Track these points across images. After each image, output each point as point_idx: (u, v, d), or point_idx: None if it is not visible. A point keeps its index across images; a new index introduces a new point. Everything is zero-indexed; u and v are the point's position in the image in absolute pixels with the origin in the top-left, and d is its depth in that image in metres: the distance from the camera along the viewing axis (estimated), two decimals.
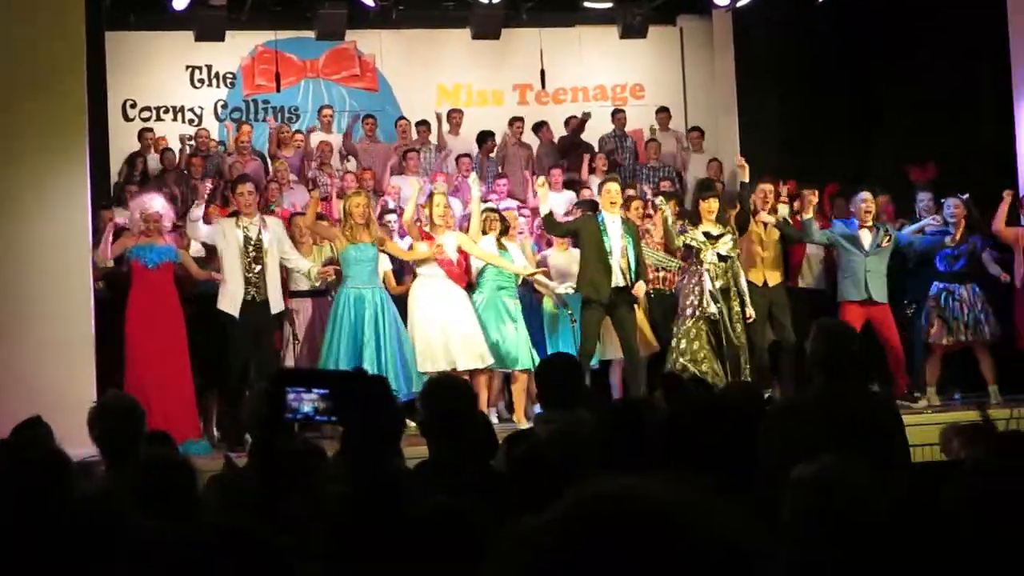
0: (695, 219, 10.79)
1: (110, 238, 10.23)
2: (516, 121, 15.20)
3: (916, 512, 3.38)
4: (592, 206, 11.59)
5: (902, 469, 5.06)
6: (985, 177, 13.02)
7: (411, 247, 10.93)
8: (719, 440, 2.61)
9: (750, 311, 10.63)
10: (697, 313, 10.50)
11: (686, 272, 10.82)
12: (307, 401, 3.00)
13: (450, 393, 4.77)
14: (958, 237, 11.25)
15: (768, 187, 11.25)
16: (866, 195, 11.25)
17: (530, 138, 15.33)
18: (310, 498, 3.29)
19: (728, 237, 10.63)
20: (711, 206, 10.69)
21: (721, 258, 10.57)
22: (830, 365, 5.23)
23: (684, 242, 10.69)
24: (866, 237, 11.14)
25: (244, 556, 2.29)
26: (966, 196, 11.44)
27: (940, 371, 11.42)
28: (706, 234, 10.64)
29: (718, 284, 10.53)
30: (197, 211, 10.79)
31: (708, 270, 10.53)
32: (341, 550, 3.16)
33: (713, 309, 10.43)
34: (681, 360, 10.41)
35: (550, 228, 10.89)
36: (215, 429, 10.82)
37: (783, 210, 11.36)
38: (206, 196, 11.09)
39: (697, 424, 2.71)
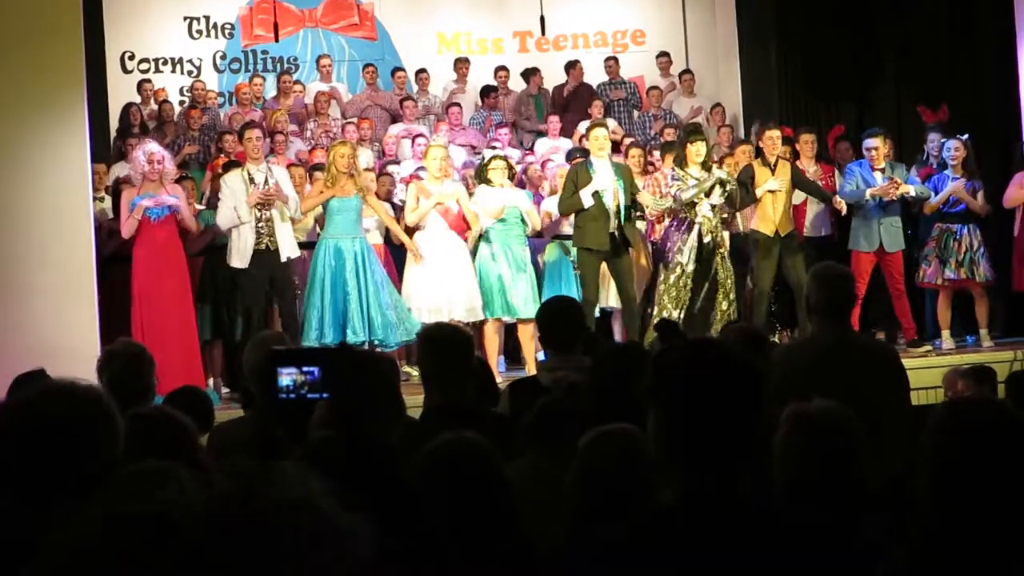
0: (683, 163, 10.68)
1: (125, 215, 10.20)
2: (500, 70, 15.15)
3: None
4: (583, 152, 11.57)
5: (901, 414, 5.06)
6: (987, 118, 12.99)
7: (405, 208, 10.93)
8: (706, 380, 2.58)
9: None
10: (680, 269, 10.46)
11: (675, 220, 10.72)
12: (298, 379, 3.03)
13: (447, 340, 4.76)
14: (955, 177, 11.24)
15: (775, 133, 11.19)
16: (875, 140, 11.21)
17: (518, 84, 15.29)
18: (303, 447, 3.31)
19: (717, 188, 10.54)
20: (699, 150, 10.59)
21: (712, 209, 10.52)
22: (827, 311, 5.22)
23: (681, 197, 10.54)
24: (878, 181, 11.12)
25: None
26: (966, 137, 11.41)
27: (951, 312, 11.43)
28: (696, 179, 10.53)
29: (707, 239, 10.47)
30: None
31: (702, 223, 10.46)
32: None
33: (689, 264, 10.40)
34: (666, 309, 10.40)
35: (565, 211, 10.76)
36: (220, 382, 10.86)
37: (784, 173, 11.17)
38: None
39: (684, 363, 2.68)
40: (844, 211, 11.24)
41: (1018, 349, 10.77)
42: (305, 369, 3.05)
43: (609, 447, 3.37)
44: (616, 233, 10.43)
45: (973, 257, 11.15)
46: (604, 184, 10.37)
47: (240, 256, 10.27)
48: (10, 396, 2.92)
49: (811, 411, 3.53)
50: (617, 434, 3.40)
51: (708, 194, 10.48)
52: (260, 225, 10.26)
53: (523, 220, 10.83)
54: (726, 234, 10.99)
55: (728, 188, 10.53)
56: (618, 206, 10.42)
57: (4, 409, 2.73)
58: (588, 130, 11.12)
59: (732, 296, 10.59)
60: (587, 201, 10.36)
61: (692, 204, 10.47)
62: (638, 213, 10.82)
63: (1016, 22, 12.34)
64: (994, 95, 13.27)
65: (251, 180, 10.30)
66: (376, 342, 10.21)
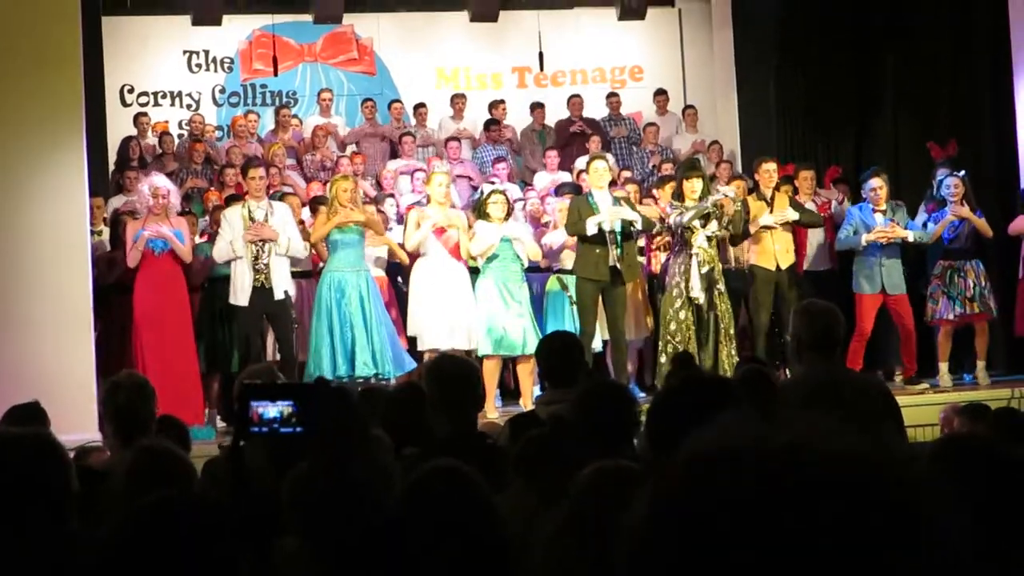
0: (679, 199, 10.67)
1: (130, 245, 10.23)
2: (498, 104, 15.21)
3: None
4: (574, 188, 11.61)
5: (898, 448, 5.03)
6: (986, 155, 13.03)
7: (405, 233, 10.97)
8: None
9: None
10: (682, 299, 10.44)
11: (672, 252, 10.73)
12: (273, 412, 3.02)
13: (453, 371, 4.77)
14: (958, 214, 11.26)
15: (772, 166, 11.23)
16: (876, 180, 11.20)
17: (521, 120, 15.30)
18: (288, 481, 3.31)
19: (713, 221, 10.53)
20: (694, 186, 10.59)
21: (708, 240, 10.51)
22: (816, 346, 5.18)
23: (679, 221, 10.54)
24: (880, 222, 11.11)
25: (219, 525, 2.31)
26: (963, 174, 11.45)
27: (950, 349, 11.43)
28: (698, 204, 10.54)
29: (705, 269, 10.45)
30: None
31: (697, 254, 10.45)
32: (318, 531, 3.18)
33: (698, 294, 10.36)
34: (671, 343, 10.37)
35: (572, 233, 10.75)
36: (216, 413, 10.85)
37: (782, 204, 11.20)
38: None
39: (696, 401, 2.69)
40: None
41: (1016, 387, 10.76)
42: (279, 403, 3.03)
43: (605, 483, 3.35)
44: (616, 265, 10.45)
45: (982, 292, 11.16)
46: (613, 216, 10.40)
47: (239, 293, 10.30)
48: None
49: None
50: (612, 470, 3.39)
51: (704, 224, 10.47)
52: (257, 264, 10.28)
53: (518, 256, 10.82)
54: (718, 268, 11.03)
55: (728, 211, 10.50)
56: (616, 236, 10.45)
57: None
58: (588, 163, 11.15)
59: (732, 333, 10.59)
60: (591, 229, 10.38)
61: (689, 232, 10.45)
62: (636, 228, 10.76)
63: (1012, 56, 12.41)
64: (991, 130, 13.32)
65: (251, 217, 10.33)
66: (379, 375, 10.23)
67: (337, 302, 10.25)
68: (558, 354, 5.77)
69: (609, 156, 13.86)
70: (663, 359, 10.36)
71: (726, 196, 10.54)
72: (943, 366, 11.37)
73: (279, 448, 3.18)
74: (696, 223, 10.44)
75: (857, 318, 11.02)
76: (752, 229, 10.95)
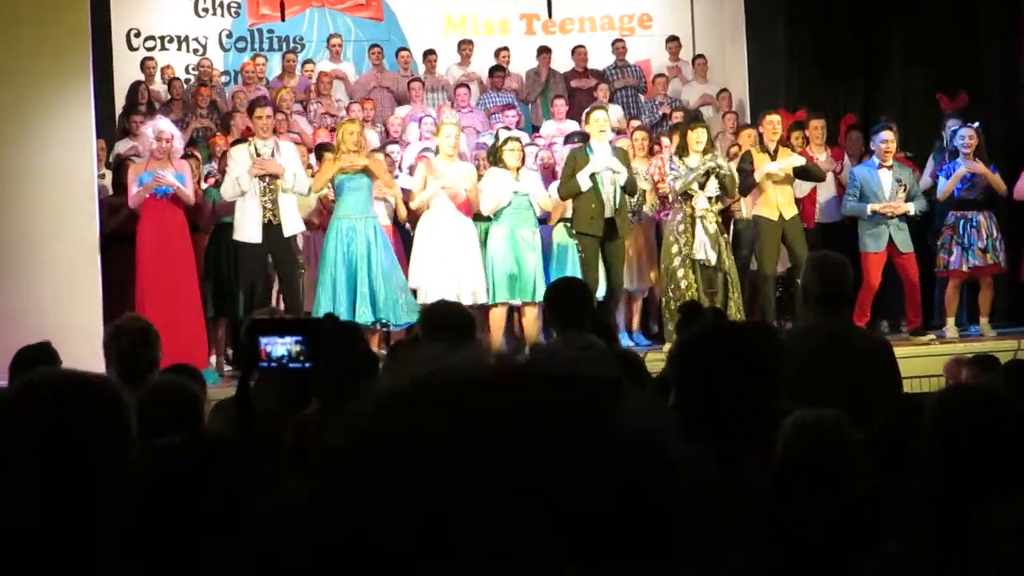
0: (683, 151, 10.63)
1: (133, 189, 10.20)
2: (502, 51, 15.15)
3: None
4: (583, 137, 11.58)
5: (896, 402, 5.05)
6: (992, 103, 12.98)
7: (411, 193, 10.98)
8: (725, 366, 2.60)
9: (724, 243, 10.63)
10: (683, 259, 10.41)
11: (672, 209, 10.70)
12: (281, 347, 3.01)
13: (449, 320, 4.75)
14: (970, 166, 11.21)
15: (775, 118, 11.19)
16: (887, 134, 11.15)
17: (525, 66, 15.25)
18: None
19: (714, 179, 10.50)
20: (699, 136, 10.54)
21: (709, 200, 10.49)
22: (823, 300, 5.18)
23: (675, 187, 10.51)
24: (886, 181, 11.09)
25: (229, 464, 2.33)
26: (977, 125, 11.40)
27: (958, 301, 11.43)
28: (692, 170, 10.51)
29: (712, 230, 10.44)
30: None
31: (702, 216, 10.43)
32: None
33: (703, 256, 10.34)
34: (672, 300, 10.37)
35: (564, 196, 10.76)
36: (223, 357, 10.89)
37: (784, 161, 11.15)
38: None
39: (704, 350, 2.71)
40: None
41: (1022, 339, 10.77)
42: (288, 338, 3.02)
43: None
44: (614, 218, 10.45)
45: (994, 243, 11.14)
46: (602, 165, 10.37)
47: (246, 229, 10.26)
48: (15, 381, 2.85)
49: (807, 424, 3.49)
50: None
51: (703, 186, 10.44)
52: (264, 200, 10.26)
53: (531, 204, 10.81)
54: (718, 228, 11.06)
55: (721, 175, 10.47)
56: (615, 191, 10.45)
57: (15, 399, 2.70)
58: (588, 113, 11.10)
59: (738, 287, 10.59)
60: (584, 184, 10.37)
61: (688, 196, 10.42)
62: (619, 185, 10.73)
63: (1022, 5, 12.34)
64: (999, 80, 13.27)
65: (257, 154, 10.30)
66: (383, 322, 10.25)
67: (346, 249, 10.24)
68: (566, 299, 5.77)
69: (613, 107, 13.87)
70: (667, 316, 10.41)
71: (718, 165, 10.49)
72: (951, 320, 11.37)
73: (289, 387, 3.18)
74: (695, 185, 10.41)
75: (864, 274, 11.04)
76: (757, 178, 10.93)
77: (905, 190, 11.15)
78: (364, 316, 10.13)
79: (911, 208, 11.07)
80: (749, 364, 2.69)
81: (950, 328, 11.35)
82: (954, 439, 2.60)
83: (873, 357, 5.17)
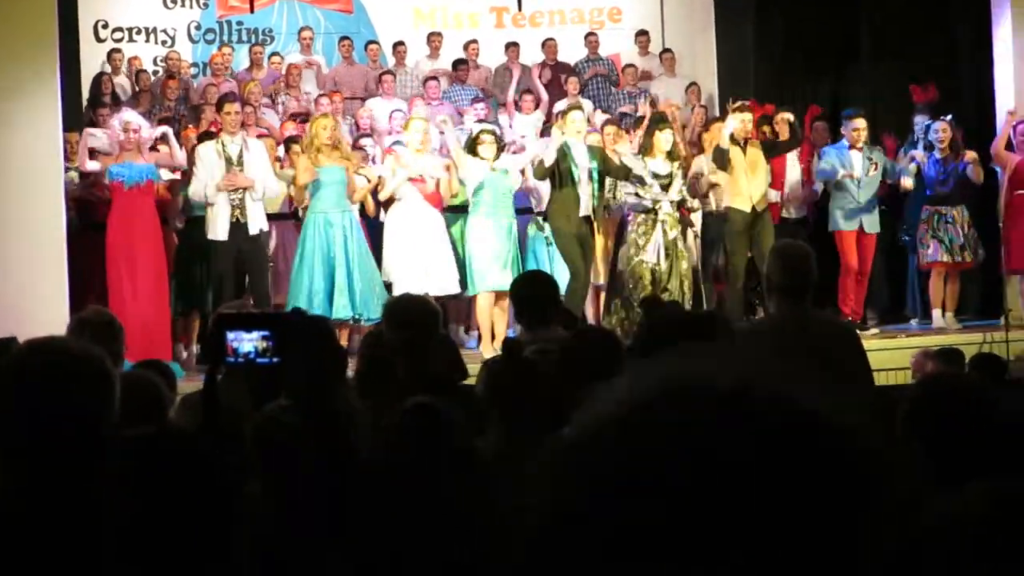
0: (647, 151, 10.65)
1: (85, 150, 10.18)
2: (471, 43, 15.14)
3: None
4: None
5: (864, 391, 5.06)
6: (962, 95, 13.03)
7: (380, 180, 10.96)
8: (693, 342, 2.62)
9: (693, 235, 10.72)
10: (639, 258, 10.45)
11: (634, 211, 10.68)
12: (248, 343, 2.98)
13: (413, 314, 4.72)
14: (942, 158, 11.25)
15: (747, 116, 11.19)
16: (861, 121, 11.29)
17: (494, 59, 15.24)
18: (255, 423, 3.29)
19: (678, 181, 10.55)
20: (667, 138, 10.57)
21: (672, 204, 10.53)
22: (787, 290, 5.17)
23: (631, 203, 10.57)
24: (857, 160, 11.18)
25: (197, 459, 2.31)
26: (950, 118, 11.44)
27: (944, 291, 11.45)
28: (655, 175, 10.53)
29: (672, 235, 10.48)
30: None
31: (664, 221, 10.47)
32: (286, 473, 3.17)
33: (652, 259, 10.37)
34: (624, 293, 10.43)
35: (538, 174, 10.75)
36: (195, 350, 10.85)
37: (755, 155, 11.18)
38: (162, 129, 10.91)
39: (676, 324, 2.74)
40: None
41: (988, 332, 10.83)
42: (255, 333, 2.99)
43: None
44: (591, 214, 10.47)
45: (969, 240, 11.20)
46: (578, 168, 10.39)
47: (216, 228, 10.26)
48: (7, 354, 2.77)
49: None
50: None
51: (666, 188, 10.49)
52: (232, 198, 10.25)
53: (509, 191, 10.82)
54: (697, 215, 11.08)
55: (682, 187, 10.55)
56: (593, 190, 10.45)
57: (10, 370, 2.62)
58: (564, 113, 11.08)
59: (691, 285, 10.61)
60: (549, 159, 10.35)
61: (653, 205, 10.48)
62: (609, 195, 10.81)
63: (992, 4, 12.38)
64: (969, 72, 13.34)
65: (225, 152, 10.28)
66: (359, 316, 10.23)
67: (322, 243, 10.24)
68: (531, 294, 5.74)
69: (587, 103, 13.88)
70: (616, 306, 10.47)
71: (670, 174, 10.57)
72: (936, 312, 11.39)
73: (257, 382, 3.16)
74: (656, 189, 10.45)
75: (840, 255, 11.12)
76: (723, 144, 10.96)
77: (876, 168, 11.24)
78: (343, 310, 10.13)
79: (909, 182, 11.17)
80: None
81: (937, 319, 11.35)
82: (932, 426, 2.62)
83: (839, 345, 5.17)
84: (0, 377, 2.57)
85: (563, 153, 10.48)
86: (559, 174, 10.46)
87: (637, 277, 10.40)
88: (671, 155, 10.59)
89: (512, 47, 15.17)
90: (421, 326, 4.65)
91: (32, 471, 2.46)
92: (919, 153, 11.50)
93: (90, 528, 2.34)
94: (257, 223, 10.34)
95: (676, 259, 10.48)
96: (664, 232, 10.44)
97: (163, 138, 10.58)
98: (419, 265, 10.57)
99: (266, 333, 2.99)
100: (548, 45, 15.20)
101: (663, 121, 10.87)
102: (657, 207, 10.48)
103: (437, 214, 10.87)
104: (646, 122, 11.25)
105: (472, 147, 10.79)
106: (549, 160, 10.39)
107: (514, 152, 12.05)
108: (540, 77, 14.89)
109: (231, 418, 3.16)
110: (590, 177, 10.46)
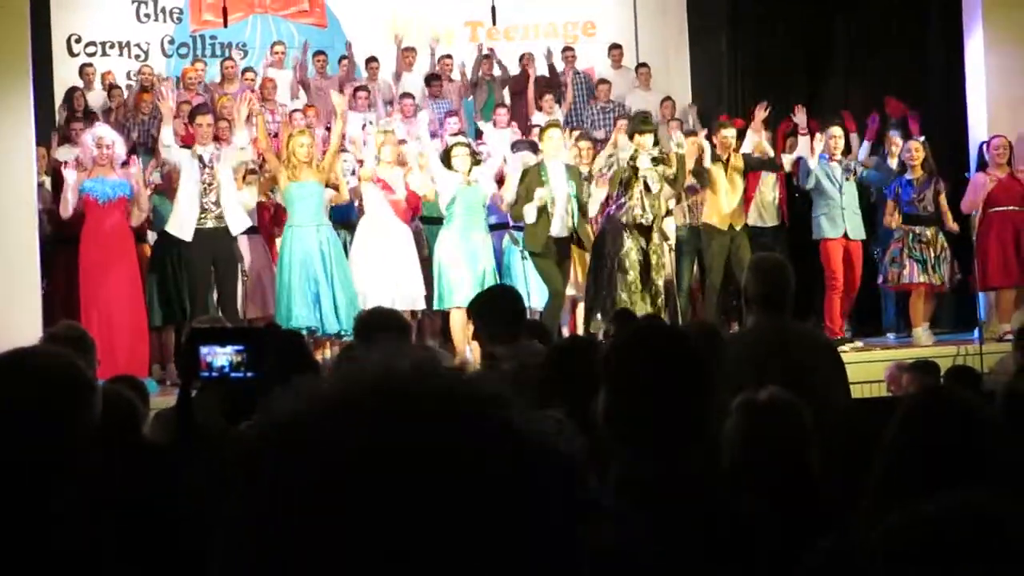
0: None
1: (68, 196, 10.07)
2: (445, 59, 15.19)
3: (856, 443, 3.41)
4: (531, 146, 11.58)
5: (841, 403, 5.07)
6: (934, 115, 13.07)
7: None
8: (658, 359, 2.61)
9: (668, 249, 10.69)
10: (617, 263, 10.36)
11: (608, 214, 10.55)
12: (222, 357, 2.95)
13: (382, 326, 4.69)
14: (916, 178, 11.26)
15: (731, 132, 11.21)
16: (837, 129, 11.39)
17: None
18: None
19: (658, 170, 10.44)
20: (647, 141, 10.51)
21: (648, 189, 10.38)
22: (765, 302, 5.18)
23: (611, 173, 10.44)
24: (836, 170, 11.29)
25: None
26: (923, 139, 11.47)
27: (926, 306, 11.44)
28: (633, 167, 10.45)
29: (647, 218, 10.33)
30: (167, 132, 10.55)
31: (634, 205, 10.36)
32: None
33: (639, 213, 10.23)
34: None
35: (515, 217, 10.71)
36: (172, 365, 10.79)
37: (737, 167, 11.24)
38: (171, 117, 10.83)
39: (639, 341, 2.73)
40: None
41: (961, 344, 10.87)
42: (229, 347, 2.96)
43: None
44: (570, 235, 10.46)
45: (940, 261, 11.17)
46: (555, 189, 10.35)
47: (180, 226, 10.21)
48: None
49: (760, 399, 3.53)
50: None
51: (636, 171, 10.32)
52: (206, 200, 10.21)
53: (482, 206, 10.80)
54: (671, 228, 11.05)
55: (664, 170, 10.41)
56: (571, 211, 10.43)
57: None
58: (543, 130, 11.05)
59: (669, 297, 10.57)
60: (530, 216, 10.35)
61: (626, 186, 10.32)
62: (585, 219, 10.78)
63: (964, 19, 12.44)
64: (941, 91, 13.38)
65: (199, 158, 10.26)
66: (344, 332, 10.19)
67: (302, 256, 10.22)
68: (499, 310, 5.62)
69: (559, 110, 13.93)
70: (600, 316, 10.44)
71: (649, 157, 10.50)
72: (917, 330, 11.34)
73: (232, 397, 3.13)
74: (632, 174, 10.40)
75: (824, 265, 11.15)
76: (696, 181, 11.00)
77: (855, 175, 11.31)
78: (335, 326, 10.09)
79: (811, 182, 11.30)
80: (684, 359, 2.71)
81: (920, 335, 11.32)
82: (922, 439, 2.62)
83: (816, 356, 5.17)
84: None
85: (538, 174, 10.44)
86: (530, 197, 10.42)
87: (617, 292, 10.33)
88: (656, 160, 10.44)
89: (484, 59, 15.21)
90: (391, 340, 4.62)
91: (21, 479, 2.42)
92: (868, 160, 11.62)
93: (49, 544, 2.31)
94: (236, 224, 10.33)
95: (657, 269, 10.40)
96: (646, 185, 10.24)
97: (126, 164, 10.51)
98: (389, 278, 10.57)
99: (240, 347, 2.97)
100: (526, 59, 15.23)
101: (646, 122, 10.72)
102: (631, 188, 10.32)
103: (405, 228, 10.88)
104: (622, 124, 11.25)
105: (446, 162, 10.79)
106: (530, 218, 10.36)
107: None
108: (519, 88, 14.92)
109: (204, 433, 3.13)
110: (567, 199, 10.43)
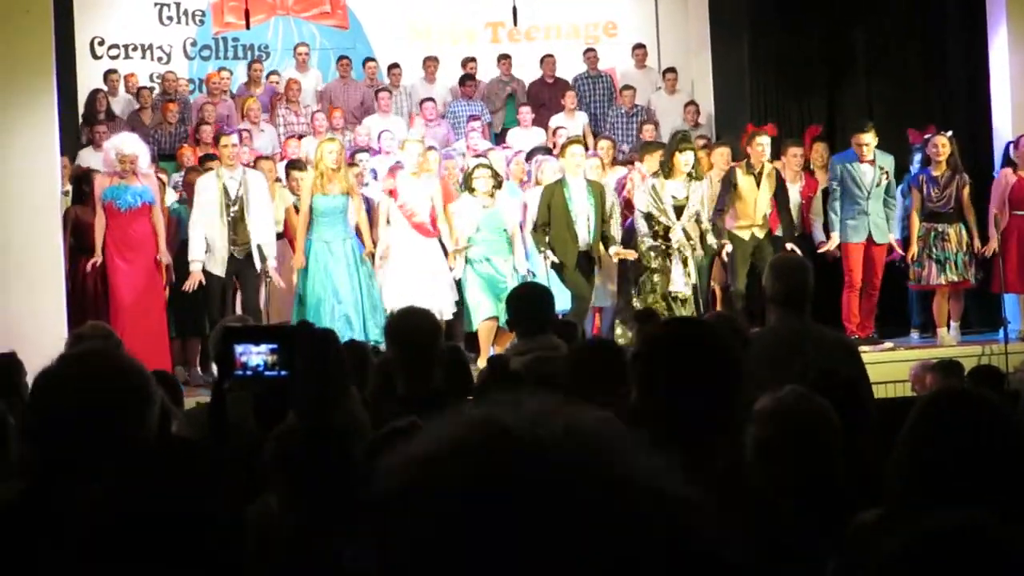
0: (668, 172, 10.59)
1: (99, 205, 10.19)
2: (469, 61, 15.17)
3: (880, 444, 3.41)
4: (546, 151, 11.61)
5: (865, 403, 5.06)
6: (956, 116, 13.01)
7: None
8: (688, 352, 2.62)
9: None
10: (658, 290, 10.42)
11: (647, 237, 10.55)
12: (256, 356, 2.96)
13: (413, 327, 4.68)
14: (940, 174, 11.18)
15: (765, 139, 11.04)
16: (866, 136, 11.12)
17: (489, 73, 15.29)
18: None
19: (693, 205, 10.49)
20: (687, 159, 10.48)
21: (685, 232, 10.48)
22: (785, 302, 5.19)
23: (648, 217, 10.53)
24: (867, 173, 11.12)
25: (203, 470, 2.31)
26: (950, 134, 11.36)
27: (949, 307, 11.40)
28: (672, 197, 10.50)
29: (690, 266, 10.45)
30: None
31: (679, 249, 10.42)
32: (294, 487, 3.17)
33: (680, 289, 10.35)
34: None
35: (538, 241, 10.70)
36: (196, 370, 10.82)
37: (770, 184, 11.15)
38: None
39: (670, 333, 2.74)
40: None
41: (986, 344, 10.82)
42: (263, 346, 2.97)
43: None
44: (588, 250, 10.49)
45: (964, 259, 11.12)
46: (576, 207, 10.38)
47: (216, 264, 10.34)
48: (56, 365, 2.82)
49: (784, 400, 3.52)
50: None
51: (680, 213, 10.44)
52: (233, 235, 10.27)
53: (504, 230, 10.79)
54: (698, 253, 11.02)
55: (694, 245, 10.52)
56: (590, 227, 10.44)
57: (52, 378, 2.66)
58: (564, 146, 11.01)
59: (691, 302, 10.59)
60: (539, 268, 10.46)
61: (666, 231, 10.42)
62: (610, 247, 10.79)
63: (987, 19, 12.39)
64: (964, 91, 13.32)
65: (225, 188, 10.29)
66: (376, 343, 10.21)
67: (326, 267, 10.24)
68: (527, 303, 5.78)
69: (580, 114, 13.93)
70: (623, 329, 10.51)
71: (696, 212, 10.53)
72: (942, 330, 11.31)
73: (264, 397, 3.14)
74: (671, 214, 10.41)
75: (845, 270, 11.08)
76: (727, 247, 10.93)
77: (888, 176, 11.15)
78: (366, 337, 10.07)
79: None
80: (712, 353, 2.71)
81: (945, 335, 11.30)
82: (937, 439, 2.62)
83: (836, 355, 5.17)
84: (40, 384, 2.61)
85: (562, 195, 10.45)
86: (557, 215, 10.44)
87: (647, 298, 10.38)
88: (692, 176, 10.50)
89: (504, 59, 15.21)
90: (421, 342, 4.61)
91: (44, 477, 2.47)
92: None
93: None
94: (270, 250, 10.47)
95: (691, 282, 10.47)
96: (682, 260, 10.39)
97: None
98: (416, 290, 10.48)
99: (274, 346, 2.97)
100: (546, 61, 15.23)
101: (685, 140, 10.75)
102: (670, 235, 10.41)
103: (432, 242, 10.86)
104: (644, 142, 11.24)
105: (468, 183, 10.80)
106: (530, 221, 10.46)
107: (512, 173, 12.00)
108: (539, 92, 14.91)
109: (237, 431, 3.15)
110: (587, 217, 10.45)
